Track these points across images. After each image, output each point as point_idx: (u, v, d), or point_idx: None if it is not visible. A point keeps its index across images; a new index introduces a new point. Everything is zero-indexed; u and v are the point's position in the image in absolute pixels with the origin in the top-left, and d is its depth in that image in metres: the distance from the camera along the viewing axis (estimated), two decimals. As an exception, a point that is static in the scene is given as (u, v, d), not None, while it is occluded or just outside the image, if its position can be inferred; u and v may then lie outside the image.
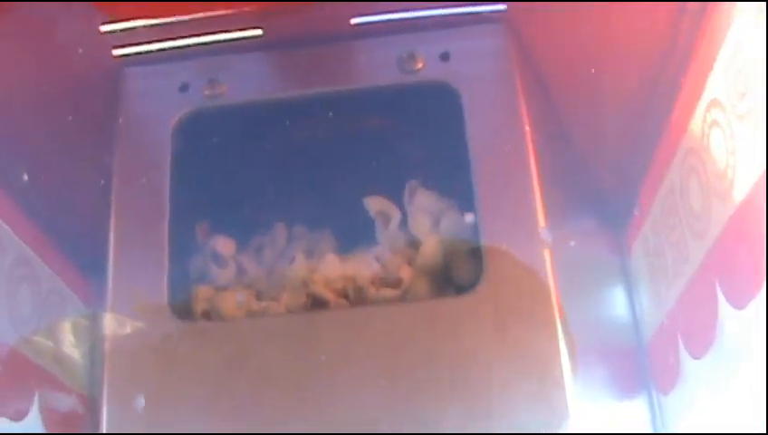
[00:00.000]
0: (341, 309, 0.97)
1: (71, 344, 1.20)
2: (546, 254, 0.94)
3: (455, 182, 1.01)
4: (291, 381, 0.92)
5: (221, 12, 1.01)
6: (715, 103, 0.97)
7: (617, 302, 1.29)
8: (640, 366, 1.24)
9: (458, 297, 0.95)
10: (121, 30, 1.04)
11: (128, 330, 0.97)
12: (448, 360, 0.91)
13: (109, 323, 0.99)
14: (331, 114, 1.07)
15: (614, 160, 1.22)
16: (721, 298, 0.98)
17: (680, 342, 1.11)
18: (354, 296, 0.98)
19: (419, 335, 0.93)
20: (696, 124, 1.02)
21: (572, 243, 1.12)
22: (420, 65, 1.05)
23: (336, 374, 0.92)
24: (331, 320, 0.96)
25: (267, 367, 0.93)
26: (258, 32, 1.05)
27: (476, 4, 1.05)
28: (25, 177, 1.09)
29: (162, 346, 0.96)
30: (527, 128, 1.00)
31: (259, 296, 1.02)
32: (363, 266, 1.00)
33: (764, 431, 0.81)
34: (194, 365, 0.95)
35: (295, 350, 0.94)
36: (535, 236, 0.95)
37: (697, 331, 1.06)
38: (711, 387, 1.04)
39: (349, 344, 0.94)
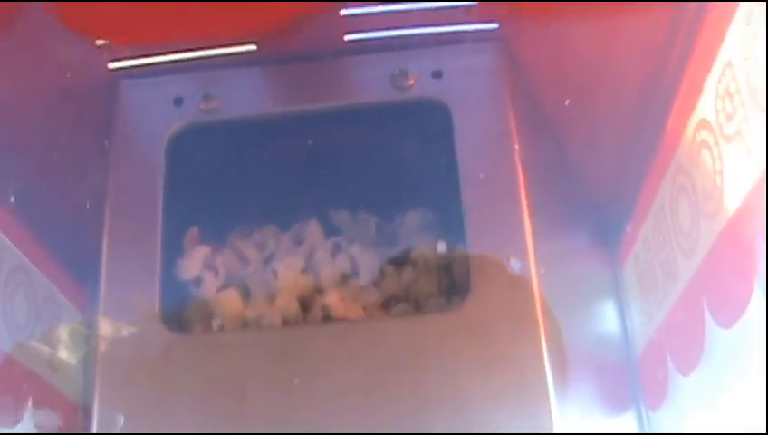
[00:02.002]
0: (330, 323, 0.98)
1: (65, 352, 1.21)
2: (533, 271, 0.95)
3: (444, 198, 1.01)
4: (278, 392, 0.93)
5: (216, 27, 1.02)
6: (703, 124, 0.98)
7: (608, 317, 1.30)
8: (630, 382, 1.24)
9: (446, 313, 0.95)
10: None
11: (119, 339, 0.98)
12: (434, 375, 0.92)
13: (101, 332, 1.00)
14: (323, 130, 1.08)
15: (608, 177, 1.22)
16: (708, 317, 0.99)
17: (669, 358, 1.12)
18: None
19: (407, 350, 0.94)
20: (685, 144, 1.02)
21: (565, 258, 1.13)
22: (412, 82, 1.06)
23: (323, 387, 0.93)
24: (319, 334, 0.97)
25: (257, 378, 0.94)
26: (252, 47, 1.05)
27: (469, 23, 1.06)
28: (12, 198, 1.10)
29: (153, 356, 0.97)
30: (517, 145, 1.01)
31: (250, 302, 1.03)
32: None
33: (765, 432, 0.81)
34: (185, 375, 0.96)
35: (283, 362, 0.95)
36: (523, 252, 0.96)
37: (685, 348, 1.06)
38: (699, 404, 1.05)
39: (337, 358, 0.94)
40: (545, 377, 0.91)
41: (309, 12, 0.97)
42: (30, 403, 1.13)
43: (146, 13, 0.95)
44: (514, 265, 0.95)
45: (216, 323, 0.99)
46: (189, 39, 1.02)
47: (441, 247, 1.02)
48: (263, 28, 1.00)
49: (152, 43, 1.04)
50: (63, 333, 1.23)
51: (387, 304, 1.01)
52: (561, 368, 0.99)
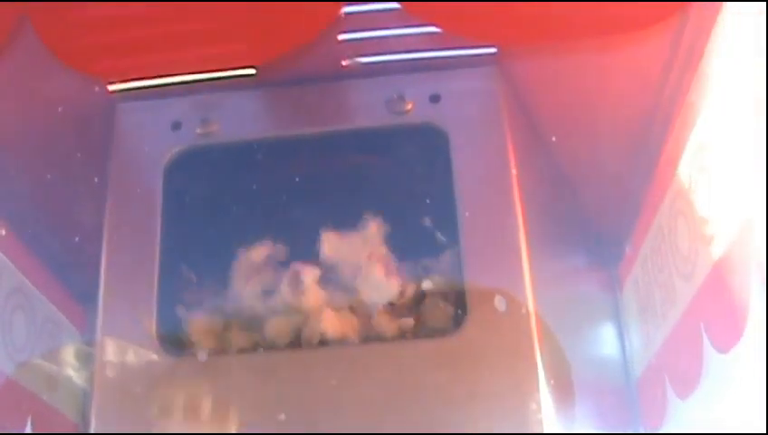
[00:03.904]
0: (327, 348, 0.98)
1: (65, 372, 1.21)
2: (530, 296, 0.95)
3: (441, 224, 1.02)
4: (273, 415, 0.93)
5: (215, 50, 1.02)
6: (702, 149, 0.98)
7: (608, 339, 1.30)
8: (629, 404, 1.24)
9: (442, 338, 0.95)
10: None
11: (117, 361, 0.98)
12: (430, 399, 0.92)
13: (98, 354, 1.00)
14: (321, 154, 1.08)
15: (607, 200, 1.22)
16: (706, 341, 0.99)
17: (667, 382, 1.12)
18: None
19: (402, 375, 0.94)
20: (683, 168, 1.02)
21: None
22: (410, 107, 1.06)
23: (320, 410, 0.93)
24: (314, 358, 0.97)
25: (251, 401, 0.95)
26: (251, 71, 1.06)
27: (466, 48, 1.06)
28: (2, 232, 1.11)
29: (150, 378, 0.97)
30: (514, 171, 1.01)
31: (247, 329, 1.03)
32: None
33: (765, 432, 0.81)
34: (182, 397, 0.96)
35: (278, 386, 0.95)
36: (520, 277, 0.96)
37: (684, 372, 1.06)
38: (697, 428, 1.04)
39: (332, 382, 0.95)
40: (540, 402, 0.91)
41: (308, 38, 0.97)
42: (29, 423, 1.13)
43: (142, 44, 0.96)
44: (500, 304, 0.94)
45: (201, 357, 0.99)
46: (187, 69, 1.02)
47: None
48: (263, 55, 1.00)
49: (150, 75, 1.04)
50: (63, 353, 1.23)
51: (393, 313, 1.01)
52: (563, 391, 0.99)
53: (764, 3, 0.81)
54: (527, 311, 0.94)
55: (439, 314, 0.99)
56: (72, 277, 1.26)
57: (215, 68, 1.02)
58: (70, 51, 0.96)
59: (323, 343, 0.98)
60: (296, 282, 1.06)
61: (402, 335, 0.98)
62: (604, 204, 1.22)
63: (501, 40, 1.01)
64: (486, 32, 0.95)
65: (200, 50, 0.98)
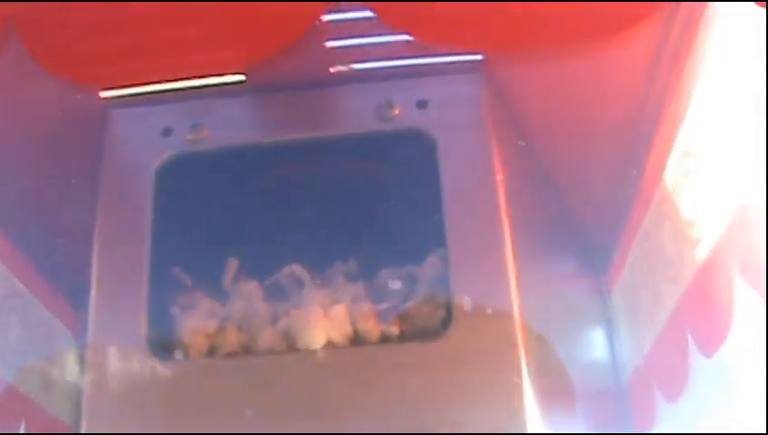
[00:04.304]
0: (315, 351, 0.99)
1: (59, 376, 1.22)
2: (515, 300, 0.95)
3: (428, 228, 1.02)
4: (263, 419, 0.94)
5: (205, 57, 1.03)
6: (686, 153, 0.99)
7: (597, 343, 1.30)
8: (619, 408, 1.25)
9: (428, 343, 0.96)
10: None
11: (107, 365, 0.99)
12: (416, 402, 0.92)
13: (89, 358, 1.01)
14: (310, 159, 1.09)
15: (595, 204, 1.23)
16: (692, 345, 0.99)
17: (655, 386, 1.12)
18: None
19: (389, 378, 0.94)
20: (669, 172, 1.03)
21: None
22: (397, 112, 1.06)
23: (306, 414, 0.94)
24: (305, 361, 0.98)
25: (240, 405, 0.95)
26: (241, 77, 1.07)
27: (453, 54, 1.07)
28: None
29: (140, 382, 0.98)
30: (500, 176, 1.01)
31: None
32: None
33: (765, 432, 0.82)
34: (172, 402, 0.97)
35: (267, 389, 0.96)
36: (505, 282, 0.97)
37: (671, 376, 1.07)
38: (685, 430, 1.05)
39: (323, 385, 0.95)
40: (524, 406, 0.91)
41: (297, 43, 0.98)
42: (23, 427, 1.14)
43: (129, 52, 0.97)
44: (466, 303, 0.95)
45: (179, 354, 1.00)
46: (177, 74, 1.03)
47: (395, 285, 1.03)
48: (251, 59, 1.01)
49: (140, 82, 1.05)
50: (57, 357, 1.24)
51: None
52: (552, 394, 1.00)
53: (751, 2, 0.81)
54: (512, 315, 0.94)
55: (425, 318, 0.99)
56: (65, 281, 1.26)
57: (204, 74, 1.03)
58: (57, 61, 0.97)
59: (311, 346, 0.99)
60: (294, 283, 1.07)
61: (387, 339, 0.98)
62: (592, 209, 1.23)
63: (474, 47, 1.02)
64: (463, 40, 0.96)
65: (189, 56, 0.99)
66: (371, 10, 0.95)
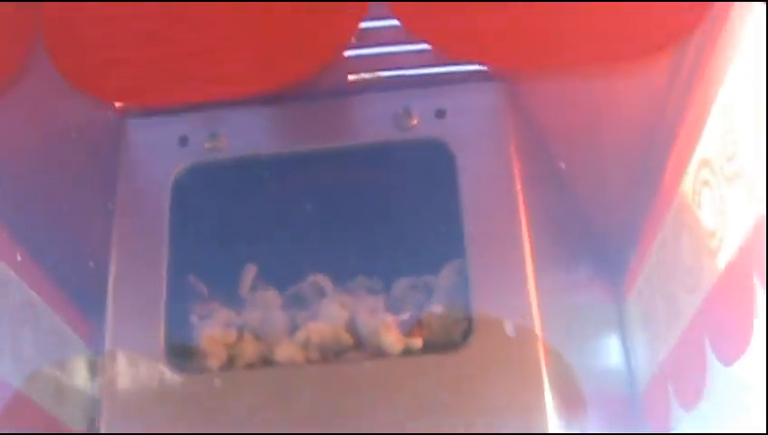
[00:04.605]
0: (334, 363, 0.99)
1: (72, 385, 1.22)
2: (535, 312, 0.95)
3: (447, 238, 1.02)
4: (281, 429, 0.94)
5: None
6: (705, 163, 0.98)
7: (612, 351, 1.30)
8: (634, 416, 1.25)
9: (448, 354, 0.96)
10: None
11: (125, 375, 0.99)
12: (437, 414, 0.92)
13: (106, 368, 1.00)
14: (329, 168, 1.09)
15: (611, 212, 1.22)
16: (710, 354, 0.99)
17: (671, 394, 1.12)
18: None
19: (410, 390, 0.94)
20: (687, 182, 1.03)
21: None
22: (415, 122, 1.06)
23: (328, 425, 0.94)
24: (324, 373, 0.98)
25: (260, 417, 0.95)
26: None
27: (472, 63, 1.07)
28: (18, 257, 1.12)
29: (158, 393, 0.97)
30: (520, 186, 1.01)
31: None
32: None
33: (765, 432, 0.82)
34: (189, 413, 0.96)
35: (288, 400, 0.95)
36: (525, 292, 0.96)
37: (688, 384, 1.07)
38: (700, 439, 1.05)
39: (343, 397, 0.95)
40: (546, 416, 0.91)
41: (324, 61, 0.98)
42: (37, 437, 1.14)
43: (154, 72, 0.96)
44: (511, 330, 0.95)
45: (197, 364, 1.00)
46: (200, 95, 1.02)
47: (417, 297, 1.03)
48: (280, 78, 1.00)
49: (163, 102, 1.05)
50: (70, 366, 1.24)
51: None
52: (569, 405, 1.00)
53: (765, 3, 0.81)
54: (534, 325, 0.94)
55: (445, 329, 0.99)
56: (78, 290, 1.26)
57: (228, 92, 1.02)
58: (81, 73, 0.97)
59: (331, 357, 0.99)
60: (316, 292, 1.07)
61: (409, 351, 0.98)
62: (609, 218, 1.22)
63: (502, 63, 1.01)
64: (488, 54, 0.95)
65: (212, 71, 0.99)
66: (398, 20, 0.95)
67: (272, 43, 0.97)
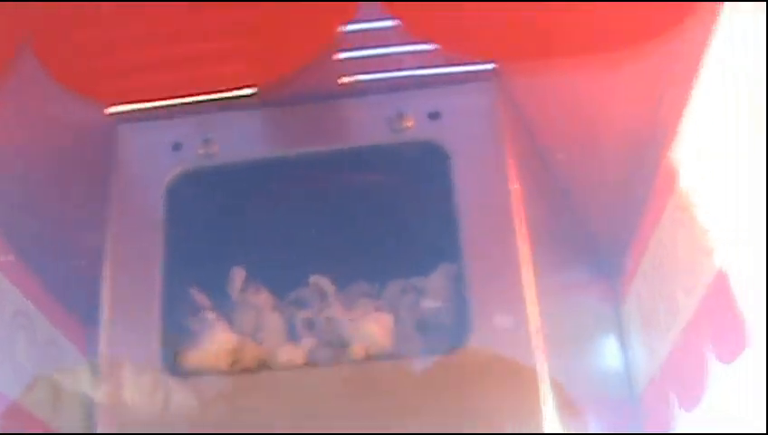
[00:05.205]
0: (330, 365, 0.98)
1: (67, 395, 1.21)
2: (532, 313, 0.95)
3: (442, 240, 1.02)
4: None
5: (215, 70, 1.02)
6: (701, 160, 0.98)
7: (610, 352, 1.30)
8: (633, 417, 1.24)
9: (445, 356, 0.95)
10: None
11: (120, 384, 0.98)
12: (434, 416, 0.92)
13: (101, 376, 1.00)
14: (323, 172, 1.08)
15: (608, 212, 1.22)
16: (710, 354, 0.99)
17: (671, 394, 1.12)
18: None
19: (406, 392, 0.94)
20: (683, 180, 1.03)
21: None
22: (410, 124, 1.06)
23: (326, 427, 0.93)
24: (320, 376, 0.97)
25: (257, 422, 0.94)
26: (252, 90, 1.06)
27: (465, 64, 1.06)
28: (10, 257, 1.11)
29: (153, 400, 0.97)
30: (516, 186, 1.01)
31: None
32: None
33: (765, 432, 0.82)
34: (185, 420, 0.96)
35: (285, 404, 0.95)
36: (522, 294, 0.96)
37: (688, 385, 1.07)
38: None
39: (339, 400, 0.95)
40: (543, 418, 0.91)
41: (310, 58, 0.97)
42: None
43: (143, 68, 0.96)
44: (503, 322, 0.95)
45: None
46: (193, 90, 1.02)
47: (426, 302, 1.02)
48: (265, 76, 1.00)
49: (152, 98, 1.04)
50: (65, 376, 1.23)
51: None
52: (567, 407, 0.99)
53: (764, 3, 0.81)
54: (531, 327, 0.94)
55: (441, 332, 0.99)
56: (72, 298, 1.26)
57: (215, 89, 1.02)
58: (71, 75, 0.96)
59: (328, 360, 0.99)
60: (319, 294, 1.07)
61: (405, 353, 0.98)
62: (605, 217, 1.22)
63: (500, 57, 1.01)
64: (486, 49, 0.95)
65: (201, 71, 0.98)
66: (398, 19, 0.94)
67: (257, 41, 0.96)
